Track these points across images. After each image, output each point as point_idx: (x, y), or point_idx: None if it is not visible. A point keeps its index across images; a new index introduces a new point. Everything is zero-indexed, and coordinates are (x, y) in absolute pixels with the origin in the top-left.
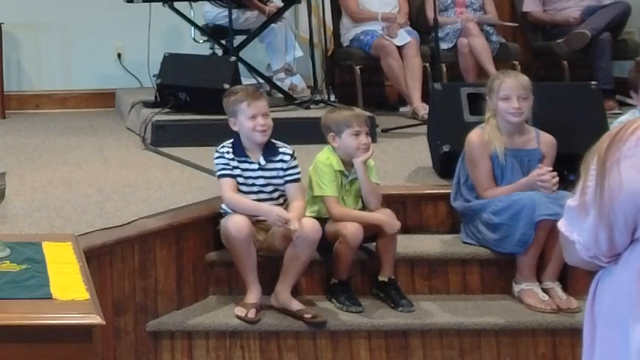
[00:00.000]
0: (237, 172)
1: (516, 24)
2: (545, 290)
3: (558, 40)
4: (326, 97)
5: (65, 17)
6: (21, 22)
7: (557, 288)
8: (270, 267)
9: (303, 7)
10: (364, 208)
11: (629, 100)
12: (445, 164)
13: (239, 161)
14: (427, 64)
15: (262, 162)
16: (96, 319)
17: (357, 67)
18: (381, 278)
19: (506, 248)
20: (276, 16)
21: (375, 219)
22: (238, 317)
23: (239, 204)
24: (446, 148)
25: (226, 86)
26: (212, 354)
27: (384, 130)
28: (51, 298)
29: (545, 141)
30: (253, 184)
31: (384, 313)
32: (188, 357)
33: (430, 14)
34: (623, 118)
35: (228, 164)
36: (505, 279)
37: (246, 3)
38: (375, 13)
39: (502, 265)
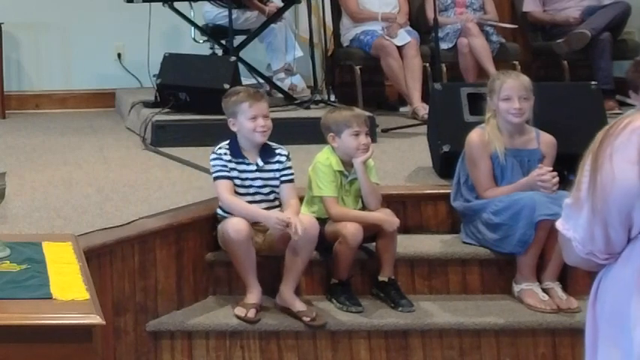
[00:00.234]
0: (234, 173)
1: (516, 26)
2: (545, 290)
3: (558, 40)
4: (326, 97)
5: (65, 17)
6: (21, 22)
7: (557, 288)
8: (270, 267)
9: (303, 7)
10: (364, 208)
11: (628, 100)
12: (445, 164)
13: (236, 162)
14: (427, 64)
15: (260, 163)
16: (96, 319)
17: (357, 67)
18: (381, 278)
19: (506, 248)
20: (276, 16)
21: (373, 218)
22: (238, 317)
23: (237, 207)
24: (446, 148)
25: (226, 86)
26: (212, 354)
27: (384, 130)
28: (51, 298)
29: (545, 141)
30: (250, 186)
31: (384, 313)
32: (188, 357)
33: (430, 14)
34: None
35: (225, 166)
36: (505, 279)
37: (246, 3)
38: (375, 13)
39: (502, 265)
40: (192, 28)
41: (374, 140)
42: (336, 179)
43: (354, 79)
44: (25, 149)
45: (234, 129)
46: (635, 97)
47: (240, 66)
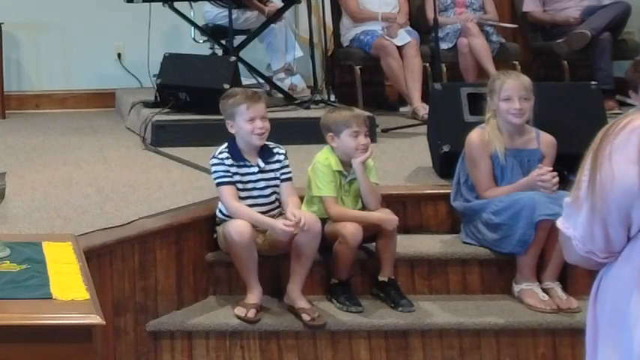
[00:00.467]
0: (236, 177)
1: (516, 25)
2: (545, 290)
3: (558, 40)
4: (326, 97)
5: (65, 17)
6: (21, 22)
7: (557, 288)
8: (270, 267)
9: (303, 7)
10: (364, 208)
11: (628, 100)
12: (445, 164)
13: (238, 166)
14: (427, 64)
15: (262, 164)
16: (96, 319)
17: (357, 67)
18: (381, 278)
19: (506, 248)
20: (276, 16)
21: (373, 218)
22: (238, 317)
23: (244, 215)
24: (446, 148)
25: (226, 86)
26: (212, 354)
27: (384, 130)
28: (51, 298)
29: (545, 141)
30: (253, 189)
31: (384, 313)
32: (188, 357)
33: (430, 14)
34: None
35: (228, 171)
36: (505, 279)
37: (245, 3)
38: (375, 13)
39: (502, 265)
40: (192, 28)
41: (374, 140)
42: (336, 179)
43: (354, 79)
44: (25, 149)
45: (232, 131)
46: (635, 97)
47: (240, 66)
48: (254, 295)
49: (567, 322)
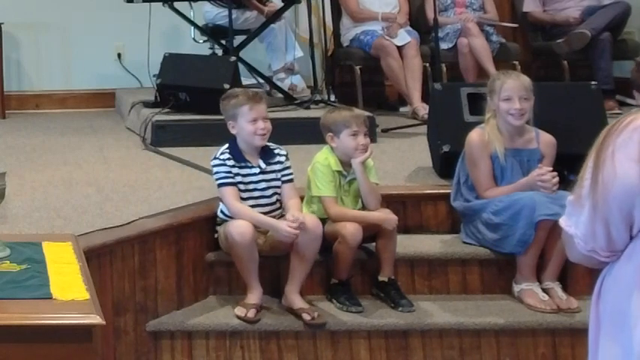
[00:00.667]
0: (238, 178)
1: (516, 25)
2: (545, 290)
3: (558, 40)
4: (326, 97)
5: (65, 17)
6: (21, 22)
7: (557, 288)
8: (270, 267)
9: (303, 7)
10: (364, 208)
11: (629, 100)
12: (445, 164)
13: (240, 167)
14: (427, 64)
15: (263, 166)
16: (96, 319)
17: (357, 67)
18: (381, 278)
19: (506, 248)
20: (276, 16)
21: (372, 217)
22: (238, 317)
23: (246, 216)
24: (446, 148)
25: (226, 86)
26: (212, 354)
27: (384, 130)
28: (51, 298)
29: (544, 141)
30: (254, 189)
31: (384, 313)
32: (188, 357)
33: (430, 14)
34: None
35: (230, 172)
36: (505, 279)
37: (245, 3)
38: (376, 13)
39: (502, 265)
40: (192, 28)
41: (374, 140)
42: (335, 179)
43: (354, 79)
44: (25, 149)
45: (233, 132)
46: (639, 97)
47: (240, 66)
48: (254, 296)
49: (567, 322)
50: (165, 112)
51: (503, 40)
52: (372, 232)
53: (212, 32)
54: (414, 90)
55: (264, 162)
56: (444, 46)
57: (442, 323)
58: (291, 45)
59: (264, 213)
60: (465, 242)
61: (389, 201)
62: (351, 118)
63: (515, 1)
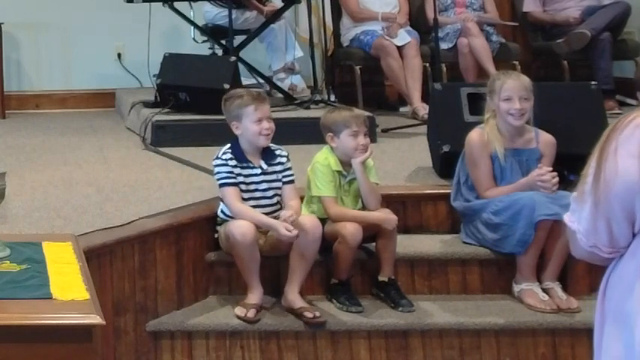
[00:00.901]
0: (240, 179)
1: (516, 23)
2: (545, 290)
3: (558, 40)
4: (326, 97)
5: (65, 17)
6: (21, 22)
7: (557, 288)
8: (270, 267)
9: (303, 7)
10: (364, 208)
11: (629, 100)
12: (445, 164)
13: (242, 167)
14: (427, 64)
15: (264, 166)
16: (96, 319)
17: (357, 67)
18: (381, 278)
19: (506, 248)
20: (276, 16)
21: (372, 217)
22: (238, 317)
23: (247, 216)
24: (446, 148)
25: (226, 86)
26: (212, 354)
27: (384, 130)
28: (51, 298)
29: (544, 140)
30: (256, 190)
31: (384, 313)
32: (188, 357)
33: (430, 14)
34: None
35: (231, 172)
36: (505, 279)
37: (245, 3)
38: (376, 13)
39: (502, 265)
40: (192, 28)
41: (374, 140)
42: (335, 179)
43: (354, 79)
44: (25, 149)
45: (237, 132)
46: None
47: (240, 66)
48: (254, 296)
49: (567, 322)
50: (165, 112)
51: (503, 40)
52: (372, 232)
53: (212, 32)
54: (414, 90)
55: (266, 163)
56: (444, 46)
57: (442, 323)
58: (291, 45)
59: (265, 214)
60: (465, 242)
61: (389, 201)
62: (351, 118)
63: (515, 1)
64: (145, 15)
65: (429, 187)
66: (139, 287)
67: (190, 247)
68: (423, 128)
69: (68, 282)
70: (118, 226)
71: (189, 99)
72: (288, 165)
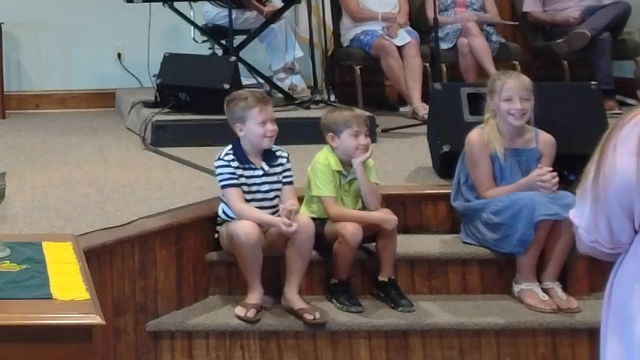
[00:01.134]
0: (242, 180)
1: (516, 22)
2: (545, 290)
3: (558, 40)
4: (326, 97)
5: (65, 17)
6: (21, 22)
7: (557, 288)
8: (270, 267)
9: (303, 7)
10: (364, 208)
11: (629, 100)
12: (445, 164)
13: (244, 169)
14: (427, 64)
15: (266, 168)
16: (96, 319)
17: (357, 67)
18: (381, 278)
19: (506, 248)
20: (276, 16)
21: (372, 217)
22: (238, 317)
23: (250, 217)
24: (446, 148)
25: (226, 86)
26: (212, 354)
27: (384, 130)
28: (51, 298)
29: (544, 140)
30: (257, 191)
31: (384, 313)
32: (188, 357)
33: (430, 14)
34: None
35: (234, 173)
36: (505, 279)
37: (245, 3)
38: (376, 13)
39: (502, 265)
40: (192, 28)
41: (374, 140)
42: (335, 179)
43: (354, 79)
44: (25, 149)
45: (241, 134)
46: None
47: (240, 66)
48: (255, 296)
49: (567, 322)
50: (165, 112)
51: (503, 40)
52: (372, 232)
53: (212, 32)
54: (414, 90)
55: (267, 164)
56: (444, 46)
57: (442, 323)
58: (291, 45)
59: None
60: (465, 242)
61: (389, 201)
62: (352, 118)
63: (515, 1)
64: (145, 15)
65: (429, 187)
66: (139, 287)
67: (190, 247)
68: (423, 128)
69: (68, 282)
70: (118, 226)
71: (189, 99)
72: (288, 166)
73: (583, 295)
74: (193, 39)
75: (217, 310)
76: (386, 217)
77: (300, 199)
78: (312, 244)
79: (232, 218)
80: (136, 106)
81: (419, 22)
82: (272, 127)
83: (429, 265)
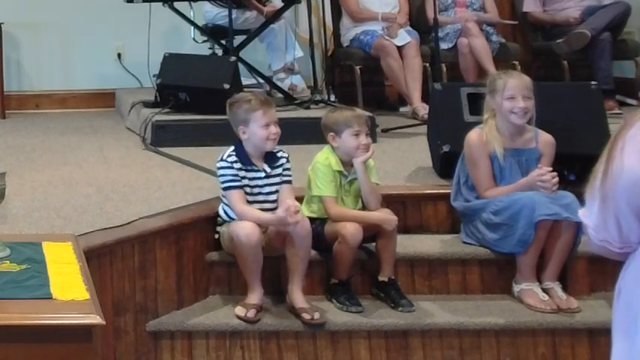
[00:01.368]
0: (244, 182)
1: (516, 22)
2: (545, 290)
3: (558, 40)
4: (326, 97)
5: (65, 17)
6: (21, 22)
7: (557, 288)
8: (270, 267)
9: (303, 7)
10: (364, 208)
11: (629, 100)
12: (445, 164)
13: (246, 170)
14: (427, 64)
15: (268, 170)
16: (96, 319)
17: (357, 67)
18: (381, 278)
19: (506, 248)
20: (276, 16)
21: (372, 218)
22: (238, 317)
23: (252, 218)
24: (446, 148)
25: (226, 86)
26: (212, 354)
27: (384, 130)
28: (51, 298)
29: (543, 140)
30: (259, 193)
31: (384, 313)
32: (188, 357)
33: (430, 14)
34: None
35: (236, 175)
36: (505, 279)
37: (245, 3)
38: (376, 13)
39: (502, 265)
40: (192, 28)
41: (374, 140)
42: (335, 179)
43: (354, 79)
44: (25, 149)
45: (244, 137)
46: None
47: (240, 66)
48: (255, 296)
49: (567, 322)
50: (165, 112)
51: (503, 40)
52: (372, 232)
53: (212, 32)
54: (414, 90)
55: (269, 166)
56: (444, 46)
57: (442, 323)
58: (291, 45)
59: None
60: (465, 242)
61: (389, 201)
62: (353, 117)
63: (515, 1)
64: (145, 15)
65: (429, 187)
66: (139, 287)
67: (190, 247)
68: (423, 128)
69: (68, 282)
70: (118, 226)
71: (189, 99)
72: (288, 166)
73: (583, 295)
74: (193, 39)
75: (217, 310)
76: (386, 217)
77: (300, 199)
78: (310, 242)
79: (233, 219)
80: (136, 106)
81: (419, 22)
82: (275, 130)
83: (429, 265)
